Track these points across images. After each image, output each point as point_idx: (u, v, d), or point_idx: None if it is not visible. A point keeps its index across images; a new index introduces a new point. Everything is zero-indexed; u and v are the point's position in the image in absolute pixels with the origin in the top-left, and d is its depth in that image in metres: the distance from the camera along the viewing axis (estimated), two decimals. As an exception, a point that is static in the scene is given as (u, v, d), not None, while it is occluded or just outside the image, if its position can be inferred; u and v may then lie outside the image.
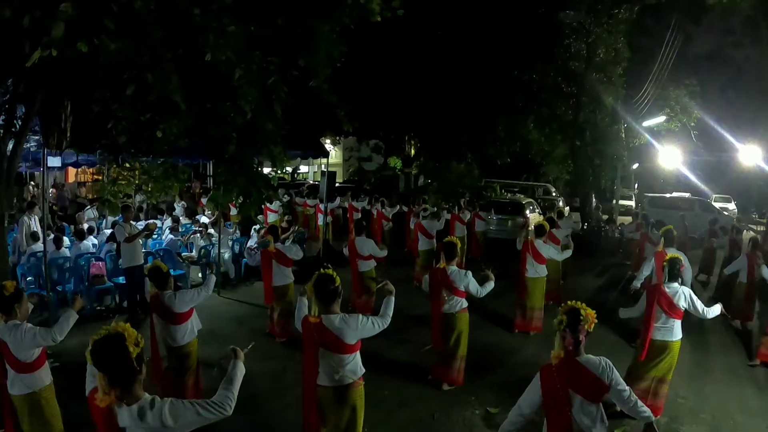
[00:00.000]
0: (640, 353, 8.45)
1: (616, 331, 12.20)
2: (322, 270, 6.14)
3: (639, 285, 11.01)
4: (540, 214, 26.20)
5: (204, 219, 18.97)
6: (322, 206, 19.41)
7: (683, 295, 8.28)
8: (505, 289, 13.19)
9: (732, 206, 40.60)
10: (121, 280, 13.32)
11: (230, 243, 16.37)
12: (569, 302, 5.14)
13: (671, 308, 8.23)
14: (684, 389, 9.41)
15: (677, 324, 8.33)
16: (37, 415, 6.34)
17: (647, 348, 8.36)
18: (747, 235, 16.38)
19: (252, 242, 16.36)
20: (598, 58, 29.47)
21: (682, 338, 8.41)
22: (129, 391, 3.84)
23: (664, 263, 8.48)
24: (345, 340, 6.00)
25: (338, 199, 22.91)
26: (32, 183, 25.13)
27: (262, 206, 18.40)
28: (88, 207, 19.67)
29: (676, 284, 8.33)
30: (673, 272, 8.36)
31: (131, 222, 13.03)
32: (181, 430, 3.95)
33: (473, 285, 9.20)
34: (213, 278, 8.91)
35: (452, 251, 9.30)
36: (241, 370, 4.51)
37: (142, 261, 12.79)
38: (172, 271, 12.77)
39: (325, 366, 6.05)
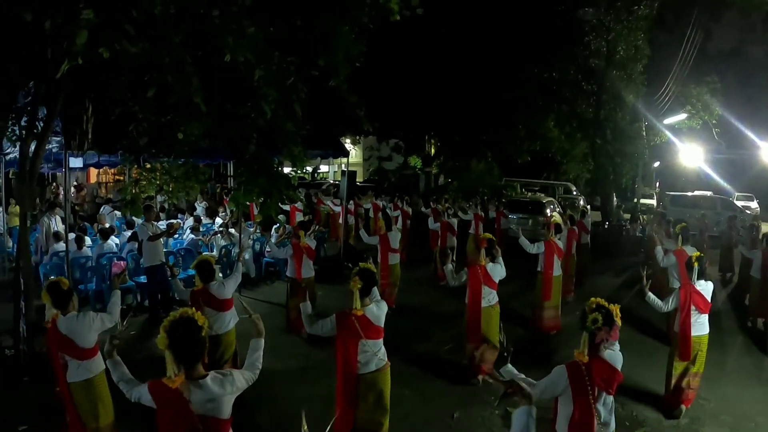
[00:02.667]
0: (683, 354, 8.64)
1: (631, 327, 12.28)
2: (361, 264, 6.62)
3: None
4: (561, 213, 26.10)
5: (219, 219, 18.97)
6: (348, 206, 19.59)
7: (709, 289, 8.61)
8: (523, 289, 13.21)
9: (754, 204, 40.16)
10: (143, 279, 13.40)
11: (251, 242, 16.41)
12: (594, 300, 5.16)
13: (705, 305, 8.52)
14: (705, 391, 9.34)
15: (706, 318, 8.63)
16: (93, 399, 6.52)
17: (690, 347, 8.59)
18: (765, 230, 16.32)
19: (273, 240, 16.46)
20: (618, 55, 29.31)
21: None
22: (195, 368, 4.26)
23: (694, 262, 8.62)
24: (381, 325, 6.64)
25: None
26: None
27: (290, 207, 18.58)
28: (111, 209, 19.80)
29: (703, 281, 8.58)
30: (702, 270, 8.58)
31: (153, 222, 13.14)
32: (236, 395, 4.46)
33: (504, 271, 9.70)
34: (240, 265, 9.47)
35: (494, 248, 9.69)
36: (262, 343, 5.17)
37: (164, 260, 12.90)
38: (191, 271, 12.91)
39: (364, 355, 6.53)
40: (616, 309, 5.05)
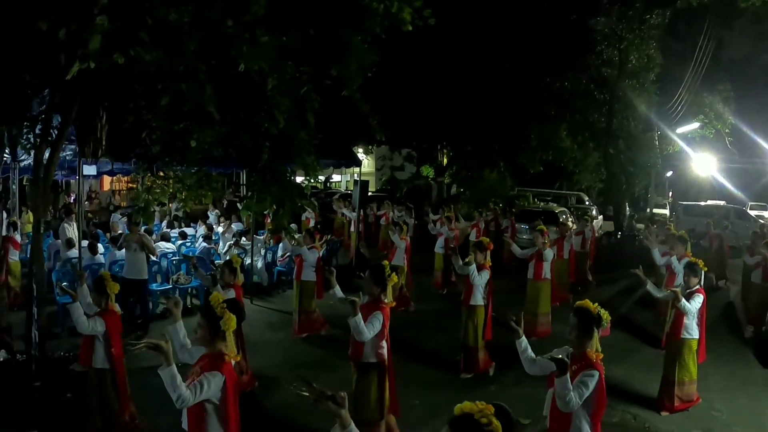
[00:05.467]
0: (703, 354, 9.13)
1: (634, 337, 12.66)
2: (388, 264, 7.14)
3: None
4: (573, 222, 25.96)
5: (219, 228, 18.86)
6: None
7: None
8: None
9: (768, 214, 40.00)
10: (155, 286, 13.45)
11: (263, 252, 16.42)
12: (582, 303, 5.27)
13: None
14: (718, 402, 9.30)
15: None
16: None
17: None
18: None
19: (281, 251, 16.48)
20: (631, 64, 29.25)
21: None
22: None
23: (703, 268, 8.87)
24: None
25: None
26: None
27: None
28: (121, 216, 19.89)
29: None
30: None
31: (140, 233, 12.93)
32: None
33: None
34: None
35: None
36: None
37: (145, 276, 12.58)
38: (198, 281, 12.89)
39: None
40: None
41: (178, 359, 5.03)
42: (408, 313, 13.76)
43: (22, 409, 8.41)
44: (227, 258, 10.51)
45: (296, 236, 13.15)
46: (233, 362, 4.83)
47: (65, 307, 9.22)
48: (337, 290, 7.43)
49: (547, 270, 12.45)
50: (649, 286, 9.04)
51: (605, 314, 5.10)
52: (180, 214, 20.45)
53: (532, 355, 5.42)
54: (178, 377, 4.38)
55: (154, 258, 13.36)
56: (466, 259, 10.17)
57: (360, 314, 6.50)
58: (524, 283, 12.72)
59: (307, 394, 3.50)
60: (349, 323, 6.57)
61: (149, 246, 12.57)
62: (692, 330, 8.71)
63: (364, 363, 7.00)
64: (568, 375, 4.77)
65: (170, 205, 19.66)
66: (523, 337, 5.39)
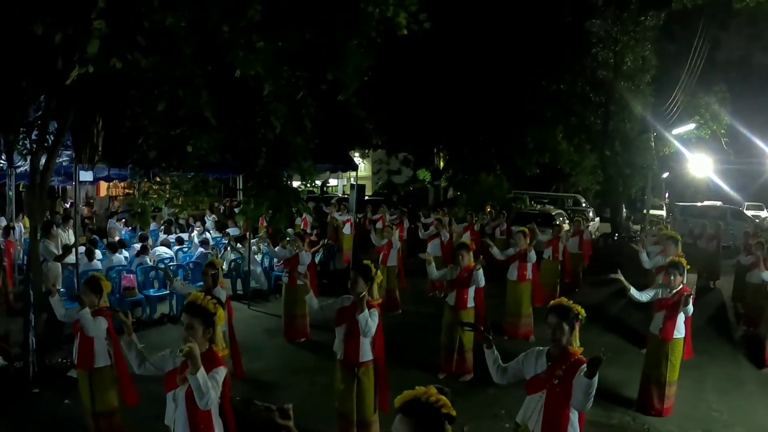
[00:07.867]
0: (690, 352, 9.16)
1: (626, 339, 12.56)
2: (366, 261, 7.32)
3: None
4: (569, 224, 25.96)
5: (208, 234, 18.79)
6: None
7: None
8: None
9: (764, 213, 39.97)
10: (152, 292, 13.41)
11: (259, 257, 16.37)
12: (558, 301, 5.25)
13: None
14: (717, 402, 9.30)
15: None
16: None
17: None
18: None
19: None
20: (626, 66, 29.34)
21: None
22: None
23: (687, 266, 8.90)
24: None
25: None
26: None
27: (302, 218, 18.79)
28: (119, 220, 19.87)
29: None
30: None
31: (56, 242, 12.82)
32: None
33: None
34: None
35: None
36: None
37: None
38: (201, 283, 12.88)
39: None
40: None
41: (139, 371, 5.23)
42: (403, 315, 13.78)
43: (21, 416, 8.40)
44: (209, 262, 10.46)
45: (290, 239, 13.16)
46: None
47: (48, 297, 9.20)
48: (312, 296, 7.57)
49: (530, 271, 12.47)
50: (632, 291, 8.93)
51: (580, 309, 5.10)
52: (173, 218, 20.42)
53: (502, 365, 5.40)
54: (208, 380, 4.43)
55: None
56: (477, 263, 10.10)
57: (366, 310, 6.57)
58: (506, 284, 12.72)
59: (254, 411, 3.50)
60: (358, 319, 6.68)
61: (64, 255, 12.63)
62: (682, 329, 8.73)
63: (361, 363, 7.01)
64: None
65: (164, 209, 19.64)
66: (494, 347, 5.32)
